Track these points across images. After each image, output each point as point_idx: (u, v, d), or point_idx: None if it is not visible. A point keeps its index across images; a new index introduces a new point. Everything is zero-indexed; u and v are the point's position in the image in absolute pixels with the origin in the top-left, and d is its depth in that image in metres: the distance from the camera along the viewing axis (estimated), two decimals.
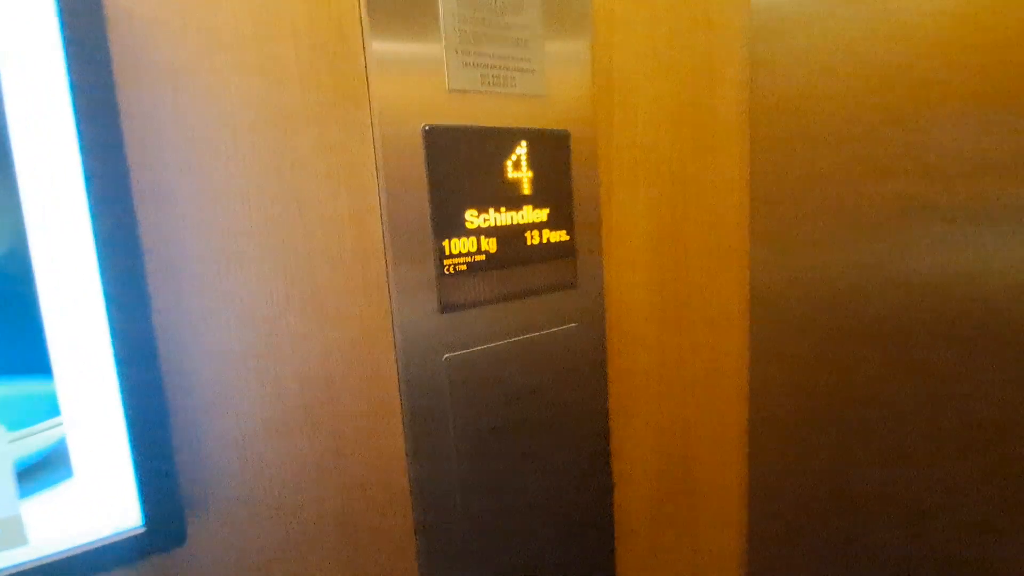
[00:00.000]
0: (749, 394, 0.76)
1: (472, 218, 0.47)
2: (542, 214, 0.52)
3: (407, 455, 0.46)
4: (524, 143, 0.50)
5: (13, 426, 0.29)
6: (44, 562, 0.31)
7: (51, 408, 0.30)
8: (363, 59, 0.41)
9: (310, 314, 0.40)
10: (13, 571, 0.30)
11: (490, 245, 0.48)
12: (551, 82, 0.51)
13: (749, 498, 0.77)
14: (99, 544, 0.32)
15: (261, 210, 0.38)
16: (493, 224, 0.48)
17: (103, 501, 0.32)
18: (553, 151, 0.52)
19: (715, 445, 0.74)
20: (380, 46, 0.42)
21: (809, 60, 0.61)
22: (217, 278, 0.37)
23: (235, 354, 0.38)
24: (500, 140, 0.48)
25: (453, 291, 0.47)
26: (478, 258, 0.48)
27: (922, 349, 0.58)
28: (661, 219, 0.63)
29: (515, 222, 0.50)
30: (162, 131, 0.35)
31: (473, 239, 0.47)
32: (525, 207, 0.50)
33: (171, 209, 0.35)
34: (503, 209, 0.49)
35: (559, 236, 0.53)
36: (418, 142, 0.44)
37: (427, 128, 0.44)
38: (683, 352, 0.68)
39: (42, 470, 0.31)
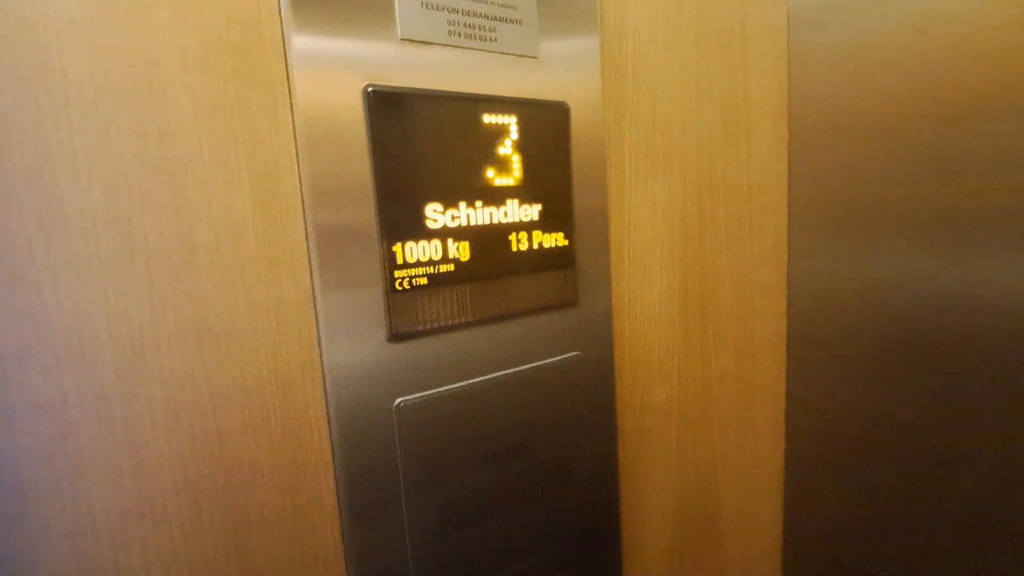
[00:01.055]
0: (786, 432, 0.64)
1: (436, 215, 0.35)
2: (532, 211, 0.39)
3: (344, 545, 0.34)
4: (508, 117, 0.37)
5: None
6: None
7: None
8: None
9: (188, 349, 0.28)
10: None
11: (461, 251, 0.36)
12: (544, 39, 0.39)
13: (784, 555, 0.65)
14: None
15: (105, 198, 0.26)
16: (465, 223, 0.36)
17: None
18: (547, 129, 0.40)
19: (747, 495, 0.61)
20: None
21: (853, 45, 0.50)
22: (24, 296, 0.25)
23: (58, 407, 0.25)
24: (475, 111, 0.36)
25: (408, 313, 0.34)
26: (444, 268, 0.35)
27: (992, 378, 0.46)
28: (684, 220, 0.50)
29: (496, 221, 0.37)
30: None
31: (437, 243, 0.35)
32: (509, 201, 0.38)
33: None
34: (479, 204, 0.37)
35: (555, 240, 0.40)
36: (358, 109, 0.32)
37: (371, 90, 0.32)
38: (709, 383, 0.55)
39: None
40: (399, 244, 0.34)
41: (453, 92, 0.35)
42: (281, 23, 0.30)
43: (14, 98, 0.24)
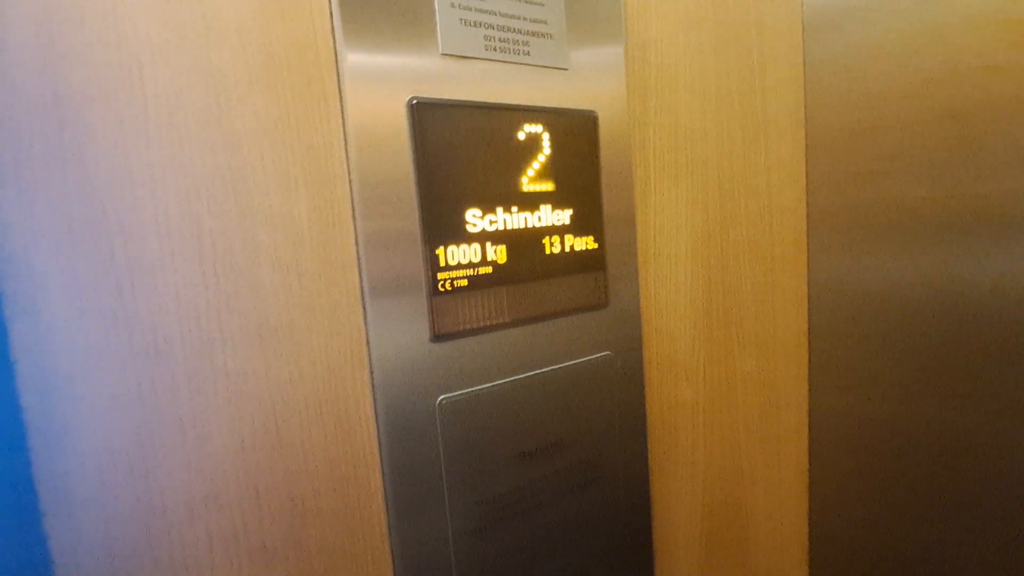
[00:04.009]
0: (810, 433, 0.65)
1: (475, 220, 0.37)
2: (564, 215, 0.41)
3: (390, 538, 0.35)
4: (541, 125, 0.39)
5: None
6: None
7: None
8: (328, 8, 0.31)
9: (251, 347, 0.30)
10: None
11: (499, 254, 0.38)
12: (574, 51, 0.41)
13: (811, 556, 0.65)
14: None
15: (178, 205, 0.28)
16: (502, 227, 0.38)
17: None
18: (577, 137, 0.41)
19: (772, 495, 0.61)
20: None
21: (868, 48, 0.51)
22: (106, 296, 0.26)
23: (134, 401, 0.27)
24: (510, 121, 0.38)
25: (450, 313, 0.36)
26: (483, 270, 0.37)
27: (1019, 378, 0.46)
28: (707, 223, 0.51)
29: (530, 225, 0.39)
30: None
31: (476, 246, 0.37)
32: (543, 206, 0.40)
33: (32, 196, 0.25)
34: (515, 209, 0.38)
35: (585, 243, 0.42)
36: (402, 120, 0.34)
37: (415, 102, 0.34)
38: (733, 383, 0.56)
39: None
40: (442, 247, 0.35)
41: (490, 103, 0.37)
42: (334, 42, 0.32)
43: (102, 113, 0.26)
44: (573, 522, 0.42)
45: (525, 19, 0.38)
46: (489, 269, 0.37)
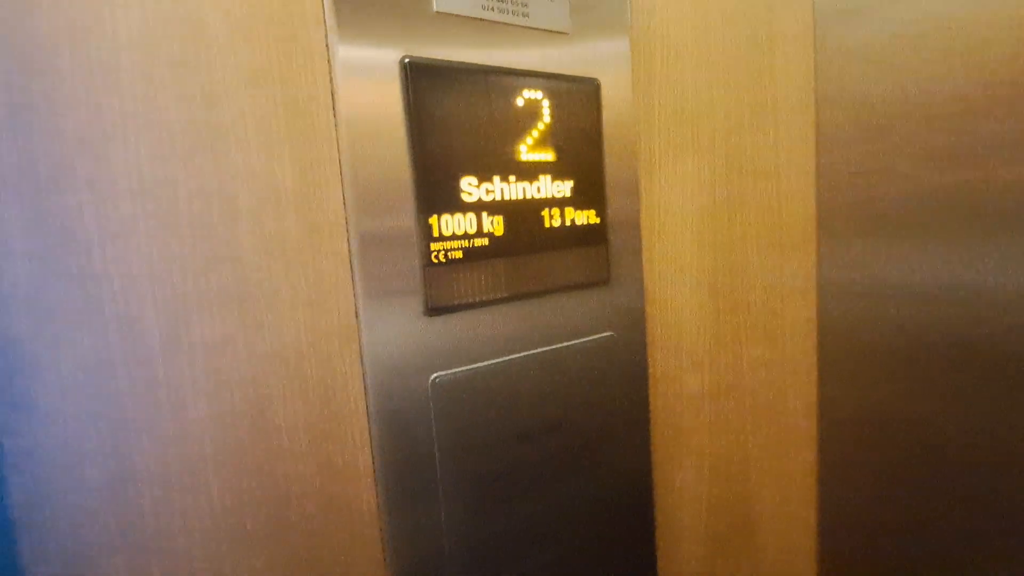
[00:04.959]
0: (819, 423, 0.63)
1: (471, 188, 0.35)
2: (564, 187, 0.39)
3: (380, 519, 0.33)
4: (540, 91, 0.37)
5: None
6: None
7: None
8: None
9: (230, 317, 0.28)
10: None
11: (495, 226, 0.36)
12: (575, 15, 0.39)
13: (819, 552, 0.63)
14: None
15: (152, 161, 0.26)
16: (499, 198, 0.36)
17: None
18: (578, 105, 0.39)
19: (780, 487, 0.59)
20: None
21: (882, 32, 0.49)
22: (73, 256, 0.25)
23: (105, 369, 0.25)
24: (508, 85, 0.36)
25: (444, 286, 0.34)
26: (479, 242, 0.35)
27: None
28: (713, 202, 0.49)
29: (529, 196, 0.37)
30: None
31: (472, 216, 0.35)
32: (542, 177, 0.38)
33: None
34: (513, 178, 0.36)
35: (587, 217, 0.40)
36: (394, 80, 0.32)
37: (408, 61, 0.32)
38: (740, 372, 0.54)
39: None
40: (435, 216, 0.33)
41: (486, 66, 0.35)
42: None
43: (69, 63, 0.24)
44: (571, 508, 0.40)
45: None
46: (485, 241, 0.35)
